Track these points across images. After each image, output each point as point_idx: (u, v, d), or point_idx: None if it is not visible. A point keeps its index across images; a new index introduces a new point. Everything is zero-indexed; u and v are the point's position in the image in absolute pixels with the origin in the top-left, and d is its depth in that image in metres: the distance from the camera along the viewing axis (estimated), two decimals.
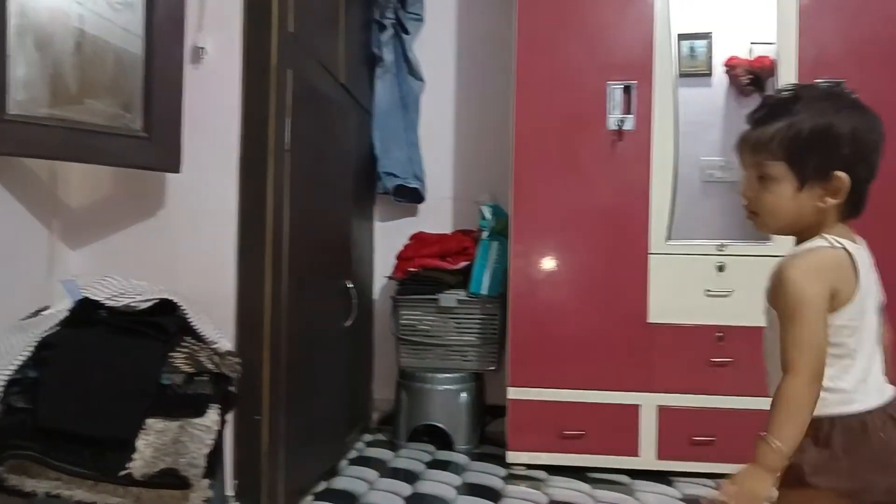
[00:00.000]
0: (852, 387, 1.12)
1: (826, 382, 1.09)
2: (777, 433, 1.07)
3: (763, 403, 2.45)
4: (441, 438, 2.84)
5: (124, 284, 1.60)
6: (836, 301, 1.11)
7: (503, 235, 2.80)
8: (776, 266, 1.16)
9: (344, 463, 2.55)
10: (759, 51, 2.74)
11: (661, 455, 2.44)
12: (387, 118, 3.07)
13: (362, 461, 2.61)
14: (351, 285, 2.50)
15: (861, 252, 1.16)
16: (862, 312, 1.14)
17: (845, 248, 1.13)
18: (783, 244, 2.42)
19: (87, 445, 1.36)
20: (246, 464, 1.82)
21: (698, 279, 2.44)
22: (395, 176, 3.05)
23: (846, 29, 2.42)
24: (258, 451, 1.81)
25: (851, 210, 1.17)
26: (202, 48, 1.81)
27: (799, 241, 1.20)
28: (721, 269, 2.43)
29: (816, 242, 1.15)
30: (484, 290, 2.78)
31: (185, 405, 1.43)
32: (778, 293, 1.13)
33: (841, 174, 1.12)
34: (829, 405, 1.11)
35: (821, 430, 1.11)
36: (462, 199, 3.19)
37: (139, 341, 1.45)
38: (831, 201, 1.14)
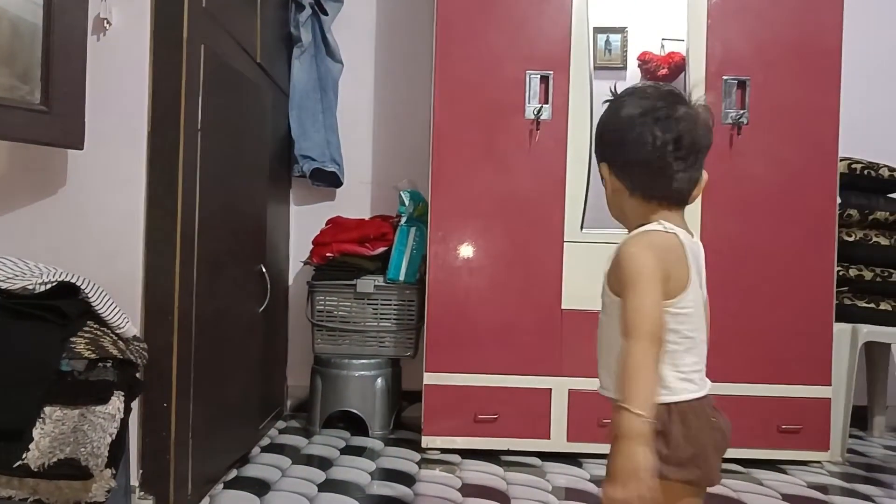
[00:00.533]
0: (689, 374, 1.16)
1: (664, 370, 1.13)
2: (632, 400, 1.07)
3: None
4: (356, 424, 2.83)
5: (21, 266, 1.51)
6: (671, 286, 1.14)
7: (422, 222, 2.80)
8: (615, 249, 1.22)
9: (256, 450, 2.51)
10: (671, 47, 2.84)
11: (571, 437, 2.51)
12: (304, 100, 3.01)
13: (275, 448, 2.57)
14: (265, 270, 2.45)
15: (693, 244, 1.21)
16: (696, 302, 1.18)
17: (677, 235, 1.18)
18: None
19: None
20: (153, 452, 1.76)
21: None
22: (312, 159, 3.00)
23: (752, 29, 2.53)
24: (166, 439, 1.76)
25: (672, 200, 1.22)
26: (105, 19, 1.72)
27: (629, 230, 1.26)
28: None
29: (651, 226, 1.19)
30: (402, 277, 2.78)
31: (86, 392, 1.37)
32: (617, 269, 1.17)
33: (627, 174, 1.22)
34: (667, 393, 1.13)
35: (660, 419, 1.11)
36: (381, 184, 3.18)
37: (36, 325, 1.38)
38: (633, 201, 1.23)
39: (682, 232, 1.19)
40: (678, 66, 2.78)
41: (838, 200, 2.57)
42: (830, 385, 2.52)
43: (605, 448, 2.48)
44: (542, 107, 2.51)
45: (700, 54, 2.53)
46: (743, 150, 2.52)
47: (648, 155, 1.18)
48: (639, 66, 2.87)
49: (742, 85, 2.52)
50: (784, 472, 2.48)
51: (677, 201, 1.22)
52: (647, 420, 1.06)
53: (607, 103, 1.28)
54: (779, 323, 2.52)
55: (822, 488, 2.33)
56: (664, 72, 2.83)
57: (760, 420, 2.50)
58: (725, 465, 2.48)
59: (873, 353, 3.00)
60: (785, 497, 2.22)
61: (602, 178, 1.29)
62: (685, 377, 1.15)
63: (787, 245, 2.52)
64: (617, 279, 1.18)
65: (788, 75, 2.53)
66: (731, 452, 2.46)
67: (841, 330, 2.59)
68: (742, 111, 2.52)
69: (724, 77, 2.53)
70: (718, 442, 1.17)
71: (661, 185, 1.19)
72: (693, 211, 2.51)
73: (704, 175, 1.23)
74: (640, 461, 1.05)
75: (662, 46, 2.88)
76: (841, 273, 2.71)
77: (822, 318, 2.53)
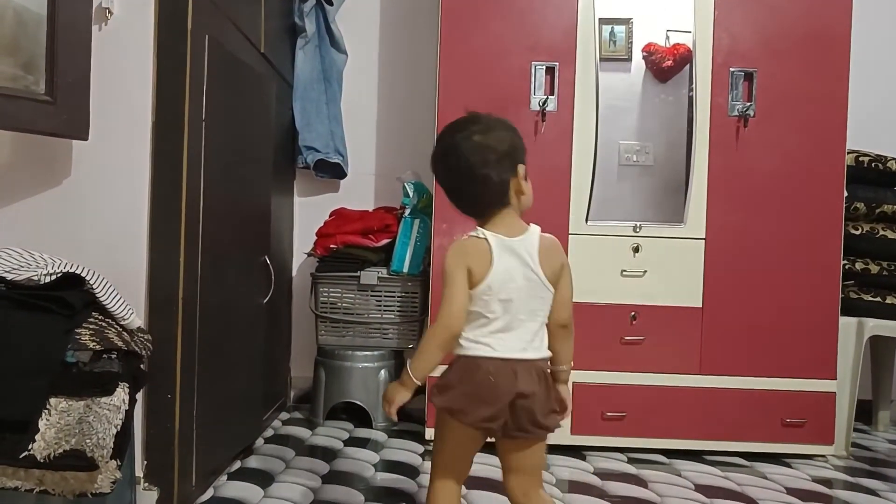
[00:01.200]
0: (480, 339, 1.43)
1: (464, 332, 1.43)
2: (413, 362, 1.43)
3: (670, 380, 2.57)
4: (359, 416, 2.83)
5: (26, 257, 1.51)
6: (473, 277, 1.42)
7: (426, 213, 2.80)
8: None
9: (260, 441, 2.51)
10: (676, 38, 2.82)
11: (575, 430, 2.51)
12: (308, 91, 3.00)
13: (279, 440, 2.58)
14: (269, 261, 2.44)
15: (510, 242, 1.45)
16: (499, 288, 1.42)
17: (486, 239, 1.44)
18: (695, 227, 2.53)
19: None
20: (157, 444, 1.76)
21: (615, 260, 2.51)
22: (316, 150, 2.99)
23: (760, 20, 2.51)
24: (170, 430, 1.76)
25: (479, 210, 1.50)
26: (107, 8, 1.71)
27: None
28: (636, 250, 2.51)
29: (470, 233, 1.48)
30: (405, 269, 2.77)
31: (91, 384, 1.37)
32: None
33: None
34: (459, 348, 1.44)
35: (453, 364, 1.45)
36: (385, 175, 3.17)
37: (41, 317, 1.37)
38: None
39: (492, 235, 1.45)
40: (684, 57, 2.77)
41: (845, 193, 2.55)
42: (835, 379, 2.52)
43: (608, 441, 2.51)
44: (547, 98, 2.50)
45: (707, 46, 2.51)
46: (749, 142, 2.51)
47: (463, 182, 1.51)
48: (644, 57, 2.86)
49: (749, 77, 2.51)
50: (788, 465, 2.48)
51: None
52: (412, 378, 1.43)
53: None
54: (784, 316, 2.51)
55: (827, 482, 2.32)
56: (669, 63, 2.82)
57: (765, 413, 2.50)
58: (728, 459, 2.49)
59: (879, 348, 3.00)
60: (789, 491, 2.22)
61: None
62: (475, 341, 1.43)
63: (793, 238, 2.51)
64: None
65: (796, 67, 2.51)
66: (735, 446, 2.49)
67: (847, 324, 2.58)
68: (748, 103, 2.50)
69: (731, 69, 2.51)
70: (488, 391, 1.40)
71: (479, 202, 1.51)
72: (699, 203, 2.50)
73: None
74: (397, 397, 1.45)
75: (668, 38, 2.86)
76: (847, 266, 2.70)
77: (827, 312, 2.52)
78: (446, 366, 1.47)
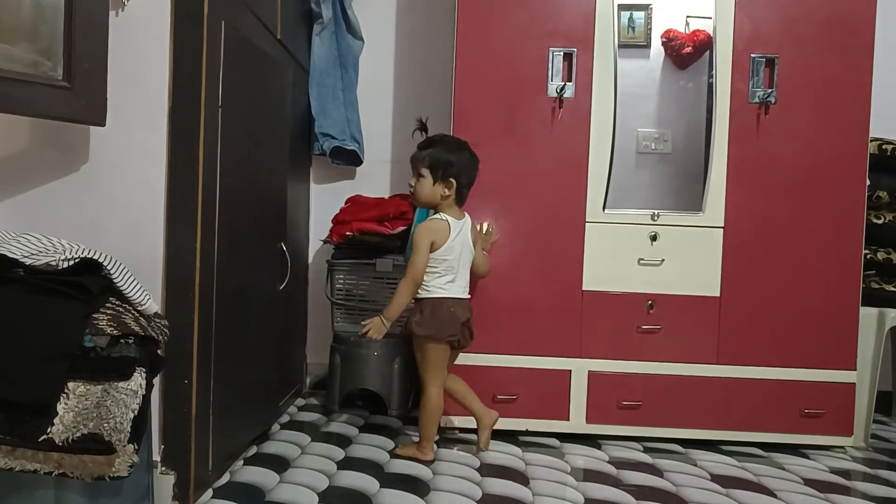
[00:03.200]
0: (440, 286, 2.24)
1: (427, 282, 2.24)
2: (391, 307, 2.23)
3: (687, 370, 2.55)
4: (375, 403, 2.84)
5: (44, 242, 1.52)
6: (434, 246, 2.22)
7: None
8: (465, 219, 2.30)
9: (276, 427, 2.53)
10: (696, 24, 2.78)
11: (590, 419, 2.51)
12: (324, 77, 2.99)
13: (295, 425, 2.59)
14: (285, 248, 2.45)
15: (458, 223, 2.27)
16: (450, 252, 2.24)
17: (447, 220, 2.24)
18: (714, 215, 2.50)
19: (3, 410, 1.29)
20: (174, 428, 1.77)
21: (632, 248, 2.49)
22: (332, 137, 2.99)
23: (783, 6, 2.47)
24: (187, 415, 1.77)
25: (459, 200, 2.28)
26: None
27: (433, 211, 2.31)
28: (654, 238, 2.48)
29: (438, 215, 2.27)
30: None
31: (108, 368, 1.38)
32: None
33: (452, 180, 2.24)
34: (427, 293, 2.24)
35: (422, 306, 2.24)
36: (401, 162, 3.16)
37: (59, 301, 1.38)
38: (447, 193, 2.25)
39: (451, 217, 2.27)
40: (703, 43, 2.73)
41: (868, 182, 2.51)
42: (855, 370, 2.49)
43: (624, 430, 2.50)
44: (564, 84, 2.47)
45: (728, 31, 2.47)
46: (770, 130, 2.48)
47: (470, 180, 2.33)
48: (663, 44, 2.83)
49: (770, 63, 2.47)
50: (806, 456, 2.45)
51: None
52: (389, 317, 2.23)
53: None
54: (804, 306, 2.48)
55: (845, 473, 2.30)
56: (688, 50, 2.78)
57: (783, 404, 2.48)
58: (745, 449, 2.48)
59: None
60: (807, 482, 2.20)
61: (419, 177, 2.30)
62: (438, 287, 2.24)
63: (814, 227, 2.48)
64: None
65: (819, 53, 2.47)
66: (753, 436, 2.47)
67: (867, 314, 2.55)
68: (770, 90, 2.46)
69: (752, 55, 2.47)
70: (450, 319, 2.23)
71: (466, 197, 2.34)
72: (717, 191, 2.48)
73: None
74: (382, 329, 2.23)
75: (687, 24, 2.82)
76: (868, 256, 2.66)
77: (848, 302, 2.49)
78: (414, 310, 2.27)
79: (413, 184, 2.29)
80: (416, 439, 2.35)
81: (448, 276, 2.24)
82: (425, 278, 2.23)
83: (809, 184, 2.48)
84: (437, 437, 2.47)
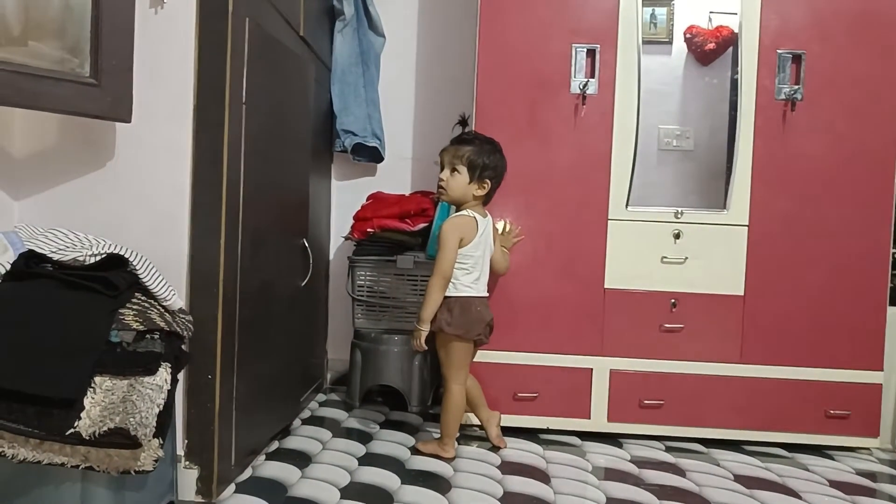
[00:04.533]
0: (467, 285, 2.24)
1: (456, 280, 2.23)
2: (424, 309, 2.22)
3: (710, 369, 2.53)
4: (395, 399, 2.84)
5: (71, 238, 1.54)
6: (462, 242, 2.22)
7: None
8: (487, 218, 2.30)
9: (297, 423, 2.54)
10: (718, 20, 2.75)
11: (612, 418, 2.49)
12: (346, 74, 2.99)
13: (316, 421, 2.60)
14: (307, 244, 2.46)
15: (483, 221, 2.27)
16: (476, 249, 2.24)
17: (474, 217, 2.24)
18: (737, 213, 2.48)
19: (32, 403, 1.31)
20: (198, 423, 1.79)
21: (655, 246, 2.47)
22: (353, 134, 2.99)
23: (811, 1, 2.43)
24: (210, 410, 1.78)
25: (486, 199, 2.30)
26: None
27: (459, 208, 2.30)
28: (677, 236, 2.46)
29: (464, 212, 2.26)
30: None
31: (134, 363, 1.39)
32: (439, 234, 2.24)
33: (488, 181, 2.25)
34: (455, 291, 2.23)
35: (451, 305, 2.23)
36: (422, 159, 3.16)
37: (87, 296, 1.40)
38: (480, 193, 2.25)
39: (478, 214, 2.27)
40: (727, 40, 2.70)
41: None
42: (882, 370, 2.45)
43: (645, 429, 2.49)
44: (587, 81, 2.46)
45: (754, 26, 2.44)
46: (796, 126, 2.44)
47: (499, 182, 2.34)
48: (685, 40, 2.80)
49: (797, 59, 2.43)
50: (831, 458, 2.42)
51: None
52: (424, 320, 2.22)
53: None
54: (830, 305, 2.45)
55: (871, 475, 2.27)
56: (711, 46, 2.75)
57: (808, 404, 2.45)
58: (769, 450, 2.46)
59: None
60: (832, 483, 2.18)
61: (453, 173, 2.26)
62: (466, 286, 2.24)
63: (841, 225, 2.45)
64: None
65: (847, 48, 2.43)
66: (776, 436, 2.44)
67: (895, 314, 2.51)
68: (796, 87, 2.43)
69: (779, 51, 2.44)
70: (478, 319, 2.24)
71: (492, 196, 2.35)
72: (742, 189, 2.45)
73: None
74: (418, 332, 2.23)
75: (710, 20, 2.79)
76: None
77: (875, 302, 2.45)
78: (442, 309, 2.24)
79: (445, 178, 2.25)
80: (437, 436, 2.35)
81: (475, 272, 2.25)
82: (454, 275, 2.22)
83: (836, 181, 2.45)
84: (457, 435, 2.47)
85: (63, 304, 1.38)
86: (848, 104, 2.44)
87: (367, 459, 2.22)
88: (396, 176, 3.18)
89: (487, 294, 2.32)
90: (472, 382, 2.38)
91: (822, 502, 2.01)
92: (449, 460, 2.24)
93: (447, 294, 2.23)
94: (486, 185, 2.24)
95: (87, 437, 1.33)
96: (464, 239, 2.21)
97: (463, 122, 2.41)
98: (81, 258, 1.47)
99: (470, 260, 2.23)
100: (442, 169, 2.27)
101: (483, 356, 2.46)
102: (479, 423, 2.50)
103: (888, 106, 2.43)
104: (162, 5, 1.74)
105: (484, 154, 2.23)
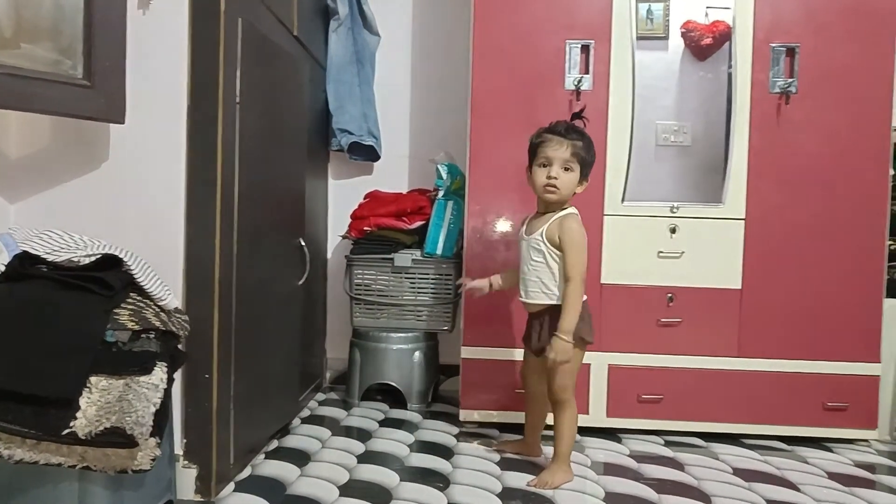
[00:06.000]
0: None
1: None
2: (567, 321, 1.98)
3: (708, 363, 2.53)
4: (394, 397, 2.85)
5: (66, 239, 1.54)
6: None
7: (459, 195, 2.79)
8: (557, 221, 2.04)
9: (296, 422, 2.55)
10: (715, 15, 2.75)
11: (610, 413, 2.49)
12: (341, 73, 3.00)
13: (315, 420, 2.61)
14: (304, 243, 2.46)
15: None
16: None
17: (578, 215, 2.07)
18: (734, 207, 2.48)
19: (28, 404, 1.31)
20: (195, 422, 1.79)
21: (651, 241, 2.47)
22: (349, 133, 2.99)
23: None
24: (208, 409, 1.79)
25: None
26: None
27: (554, 208, 2.07)
28: (674, 230, 2.47)
29: (572, 209, 2.07)
30: (439, 251, 2.77)
31: (130, 363, 1.39)
32: (565, 235, 2.01)
33: (587, 180, 2.09)
34: (583, 297, 2.03)
35: (583, 311, 2.02)
36: (418, 157, 3.17)
37: (82, 296, 1.40)
38: (579, 191, 2.07)
39: None
40: (723, 35, 2.69)
41: (891, 172, 2.47)
42: (879, 362, 2.45)
43: (644, 423, 2.49)
44: (582, 77, 2.46)
45: (747, 20, 2.45)
46: (791, 119, 2.45)
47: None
48: (682, 35, 2.79)
49: (791, 52, 2.44)
50: (830, 450, 2.43)
51: None
52: (569, 330, 1.98)
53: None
54: (827, 298, 2.45)
55: (870, 467, 2.27)
56: (708, 41, 2.74)
57: (806, 397, 2.45)
58: (767, 443, 2.47)
59: None
60: (831, 475, 2.18)
61: (567, 171, 2.03)
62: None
63: (837, 218, 2.45)
64: (562, 239, 2.02)
65: (840, 41, 2.43)
66: (775, 429, 2.44)
67: (891, 306, 2.51)
68: (790, 80, 2.43)
69: (772, 44, 2.44)
70: (591, 324, 2.10)
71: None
72: (738, 183, 2.45)
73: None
74: (569, 348, 1.98)
75: (706, 14, 2.78)
76: (893, 247, 2.62)
77: (871, 294, 2.45)
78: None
79: (558, 175, 2.01)
80: (437, 433, 2.34)
81: None
82: (571, 278, 2.01)
83: (832, 174, 2.45)
84: (456, 431, 2.48)
85: (58, 305, 1.38)
86: (842, 96, 2.44)
87: (367, 457, 2.22)
88: (393, 174, 3.18)
89: None
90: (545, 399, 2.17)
91: (820, 494, 2.02)
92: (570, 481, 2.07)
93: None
94: (585, 185, 2.08)
95: (84, 437, 1.33)
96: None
97: (579, 115, 2.12)
98: (76, 259, 1.48)
99: None
100: (547, 165, 2.03)
101: (480, 353, 2.47)
102: (479, 421, 2.51)
103: (882, 98, 2.43)
104: (148, 6, 1.74)
105: (592, 151, 2.07)
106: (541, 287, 2.07)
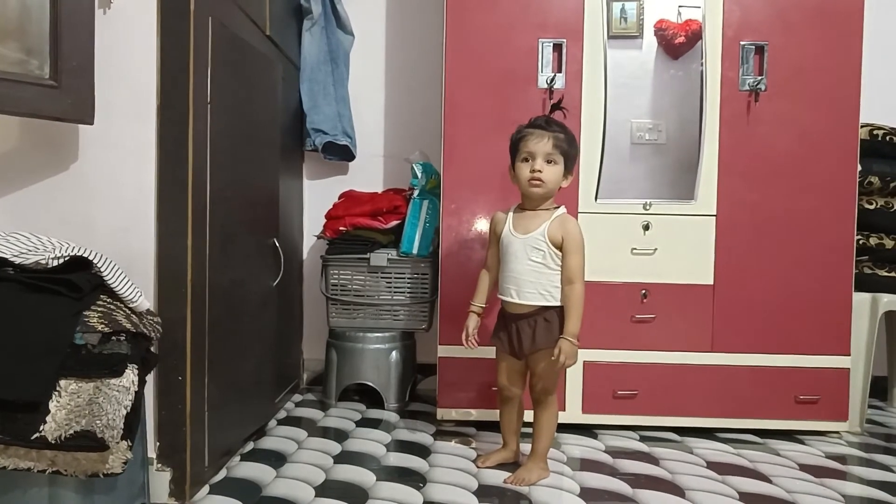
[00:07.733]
0: None
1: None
2: (573, 325, 1.96)
3: (682, 358, 2.55)
4: (371, 397, 2.84)
5: (34, 241, 1.52)
6: None
7: (434, 194, 2.79)
8: (558, 221, 2.01)
9: (273, 423, 2.53)
10: (688, 14, 2.78)
11: (586, 409, 2.51)
12: (315, 72, 2.98)
13: (292, 421, 2.59)
14: (278, 243, 2.45)
15: None
16: None
17: None
18: (706, 203, 2.50)
19: None
20: (169, 425, 1.77)
21: (625, 238, 2.49)
22: (324, 133, 2.98)
23: None
24: (182, 412, 1.77)
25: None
26: None
27: (542, 205, 2.04)
28: (647, 227, 2.49)
29: (564, 210, 2.05)
30: (415, 250, 2.77)
31: (100, 365, 1.38)
32: (569, 236, 1.98)
33: (571, 174, 2.04)
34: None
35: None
36: (393, 156, 3.16)
37: (50, 299, 1.38)
38: (564, 185, 2.04)
39: None
40: (696, 33, 2.72)
41: (859, 168, 2.51)
42: (850, 355, 2.49)
43: (619, 419, 2.50)
44: (555, 75, 2.47)
45: (717, 18, 2.47)
46: (760, 117, 2.48)
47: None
48: (655, 34, 2.82)
49: (760, 50, 2.47)
50: (802, 442, 2.46)
51: None
52: (576, 332, 1.96)
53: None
54: (797, 293, 2.49)
55: (841, 458, 2.31)
56: (681, 40, 2.77)
57: (778, 390, 2.49)
58: (741, 436, 2.50)
59: (893, 323, 2.97)
60: (803, 467, 2.21)
61: (550, 164, 1.99)
62: None
63: (806, 213, 2.48)
64: (565, 240, 1.99)
65: (808, 39, 2.47)
66: (748, 423, 2.48)
67: (861, 299, 2.56)
68: (760, 77, 2.46)
69: (742, 42, 2.47)
70: None
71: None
72: (709, 179, 2.48)
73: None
74: (574, 353, 1.97)
75: (679, 14, 2.81)
76: (861, 242, 2.67)
77: (841, 288, 2.49)
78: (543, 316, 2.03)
79: (542, 168, 1.97)
80: (414, 433, 2.34)
81: None
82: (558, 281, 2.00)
83: (801, 170, 2.49)
84: (434, 430, 2.48)
85: (25, 308, 1.36)
86: (811, 94, 2.48)
87: (344, 457, 2.22)
88: (368, 174, 3.18)
89: None
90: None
91: (793, 486, 2.04)
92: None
93: (557, 303, 2.01)
94: (570, 179, 2.04)
95: (54, 441, 1.32)
96: None
97: (558, 105, 2.09)
98: (44, 261, 1.46)
99: None
100: (530, 159, 1.99)
101: (457, 352, 2.47)
102: (456, 419, 2.51)
103: (850, 94, 2.47)
104: (109, 6, 1.72)
105: (574, 143, 2.03)
106: (538, 288, 2.00)
